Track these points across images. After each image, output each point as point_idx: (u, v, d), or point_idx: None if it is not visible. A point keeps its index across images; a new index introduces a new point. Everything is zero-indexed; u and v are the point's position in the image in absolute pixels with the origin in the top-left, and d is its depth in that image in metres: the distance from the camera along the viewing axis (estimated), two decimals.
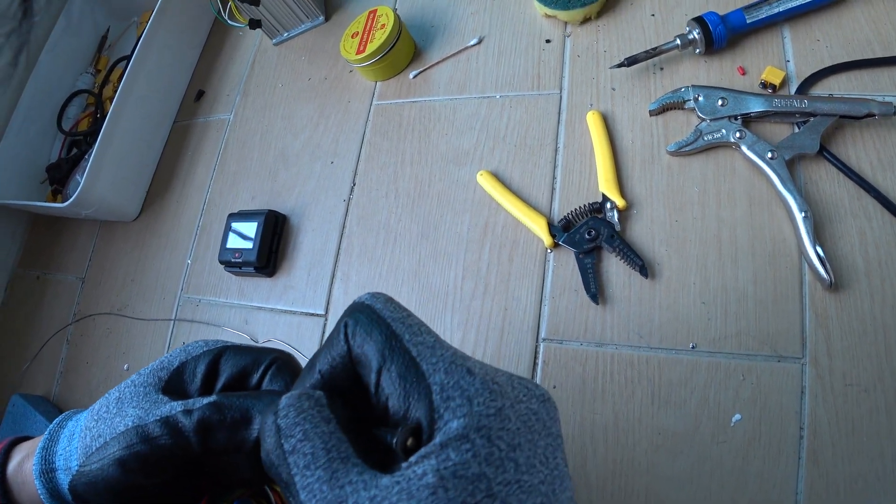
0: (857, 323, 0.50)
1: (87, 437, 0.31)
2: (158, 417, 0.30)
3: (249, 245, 0.70)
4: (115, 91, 0.90)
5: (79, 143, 0.93)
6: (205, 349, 0.34)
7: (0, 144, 0.87)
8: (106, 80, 0.94)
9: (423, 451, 0.20)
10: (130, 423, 0.30)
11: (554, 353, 0.57)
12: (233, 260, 0.71)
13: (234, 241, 0.71)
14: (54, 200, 0.90)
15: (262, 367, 0.33)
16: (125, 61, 0.93)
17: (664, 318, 0.54)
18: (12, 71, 0.87)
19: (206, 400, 0.30)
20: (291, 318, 0.69)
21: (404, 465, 0.20)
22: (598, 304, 0.56)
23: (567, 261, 0.59)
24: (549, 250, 0.60)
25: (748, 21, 0.60)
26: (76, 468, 0.31)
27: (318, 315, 0.68)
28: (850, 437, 0.47)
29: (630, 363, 0.54)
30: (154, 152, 0.88)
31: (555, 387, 0.55)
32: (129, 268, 0.83)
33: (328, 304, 0.68)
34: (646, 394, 0.53)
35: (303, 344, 0.66)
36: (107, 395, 0.33)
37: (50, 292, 0.90)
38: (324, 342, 0.26)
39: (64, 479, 0.32)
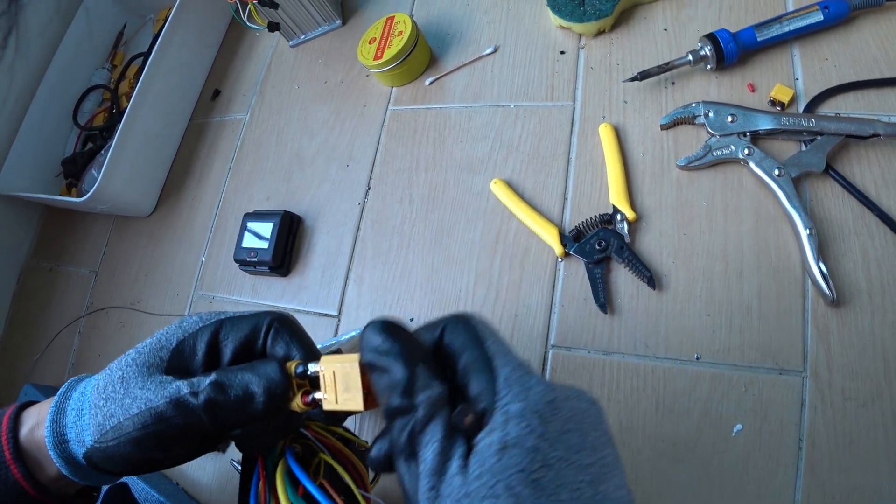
0: (858, 339, 0.52)
1: (99, 415, 0.33)
2: (168, 399, 0.32)
3: (265, 245, 0.72)
4: (131, 87, 0.92)
5: (94, 138, 0.94)
6: (201, 325, 0.36)
7: (16, 137, 0.88)
8: (122, 75, 0.96)
9: (489, 426, 0.25)
10: (143, 406, 0.33)
11: (562, 359, 0.59)
12: (248, 259, 0.73)
13: (249, 241, 0.73)
14: (69, 194, 0.92)
15: (262, 333, 0.36)
16: (141, 58, 0.95)
17: (670, 329, 0.56)
18: (1, 53, 0.88)
19: (208, 380, 0.33)
20: (304, 317, 0.71)
21: (479, 437, 0.25)
22: (606, 313, 0.58)
23: (577, 270, 0.61)
24: (559, 259, 0.62)
25: (759, 39, 0.62)
26: (90, 443, 0.33)
27: (331, 315, 0.70)
28: (848, 450, 0.49)
29: (636, 372, 0.56)
30: (170, 150, 0.90)
31: None
32: (143, 263, 0.85)
33: (341, 305, 0.70)
34: (650, 402, 0.55)
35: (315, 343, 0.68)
36: (108, 371, 0.35)
37: (62, 284, 0.92)
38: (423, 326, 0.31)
39: (78, 450, 0.34)
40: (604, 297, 0.58)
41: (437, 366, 0.29)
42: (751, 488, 0.50)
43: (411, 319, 0.65)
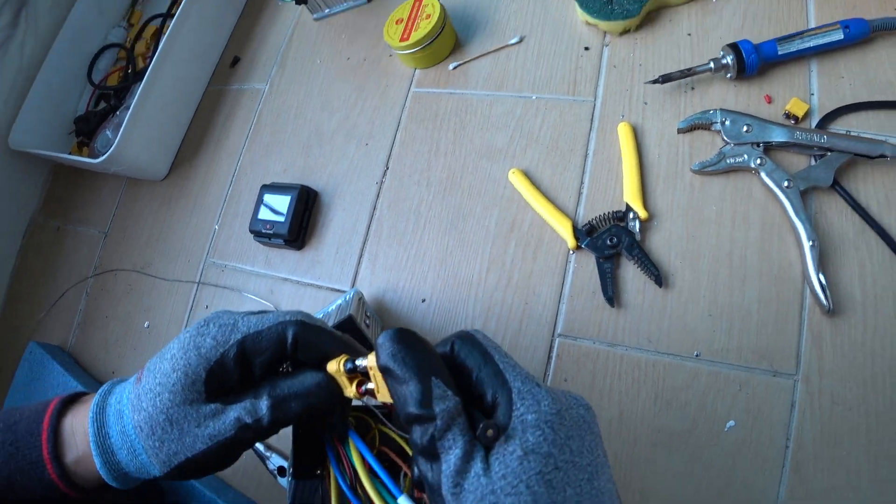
0: (849, 348, 0.56)
1: (161, 454, 0.36)
2: (234, 430, 0.36)
3: (281, 218, 0.74)
4: (148, 47, 0.93)
5: (107, 97, 0.96)
6: (222, 350, 0.37)
7: (29, 93, 0.89)
8: (139, 35, 0.96)
9: (508, 433, 0.29)
10: (210, 441, 0.36)
11: (568, 348, 0.62)
12: (263, 231, 0.75)
13: (265, 213, 0.76)
14: (80, 152, 0.93)
15: (288, 346, 0.38)
16: (160, 18, 0.96)
17: (673, 326, 0.60)
18: (13, 32, 0.89)
19: (264, 405, 0.36)
20: (317, 292, 0.74)
21: (498, 444, 0.29)
22: (613, 307, 0.62)
23: (587, 263, 0.64)
24: (571, 252, 0.65)
25: (779, 53, 0.64)
26: (157, 474, 0.37)
27: (343, 291, 0.72)
28: (832, 451, 0.53)
29: (637, 365, 0.60)
30: (186, 114, 0.91)
31: (566, 380, 0.61)
32: (155, 227, 0.87)
33: (354, 281, 0.73)
34: (650, 394, 0.59)
35: (328, 319, 0.71)
36: (145, 412, 0.36)
37: (70, 243, 0.94)
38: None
39: (138, 474, 0.38)
40: (612, 292, 0.62)
41: (451, 377, 0.32)
42: (738, 481, 0.54)
43: (423, 300, 0.68)
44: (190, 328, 0.39)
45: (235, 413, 0.36)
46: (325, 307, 0.63)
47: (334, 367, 0.36)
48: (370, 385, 0.35)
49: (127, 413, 0.37)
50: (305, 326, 0.38)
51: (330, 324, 0.54)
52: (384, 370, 0.31)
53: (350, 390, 0.36)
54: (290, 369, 0.40)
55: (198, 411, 0.36)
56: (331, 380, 0.36)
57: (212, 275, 0.80)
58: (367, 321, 0.63)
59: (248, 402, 0.36)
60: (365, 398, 0.36)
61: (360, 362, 0.35)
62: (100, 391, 0.40)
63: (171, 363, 0.37)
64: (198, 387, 0.36)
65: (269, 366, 0.38)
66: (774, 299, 0.58)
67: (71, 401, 0.41)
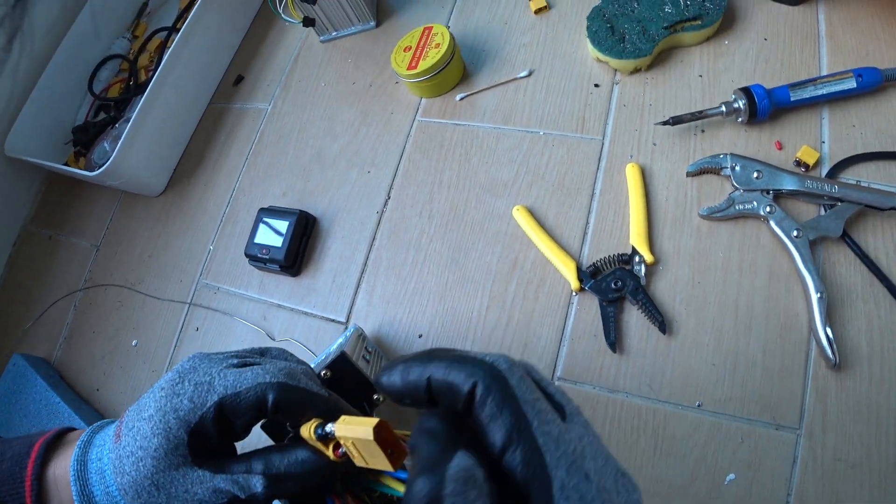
0: (854, 403, 0.55)
1: None
2: (227, 497, 0.35)
3: (278, 243, 0.73)
4: (151, 60, 0.93)
5: (107, 108, 0.95)
6: (200, 413, 0.35)
7: (28, 100, 0.88)
8: (143, 47, 0.96)
9: None
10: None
11: (567, 392, 0.61)
12: (259, 255, 0.74)
13: (262, 237, 0.75)
14: (76, 163, 0.92)
15: (268, 410, 0.36)
16: (165, 32, 0.95)
17: (675, 374, 0.59)
18: (6, 56, 0.89)
19: (258, 483, 0.35)
20: (311, 320, 0.72)
21: None
22: (615, 352, 0.61)
23: (590, 306, 0.63)
24: (574, 293, 0.64)
25: (792, 99, 0.64)
26: None
27: (338, 322, 0.71)
28: None
29: (637, 412, 0.59)
30: (186, 130, 0.91)
31: None
32: (149, 244, 0.86)
33: (350, 312, 0.71)
34: (649, 443, 0.57)
35: (320, 348, 0.70)
36: (129, 475, 0.35)
37: (61, 255, 0.92)
38: (435, 381, 0.27)
39: None
40: (614, 336, 0.61)
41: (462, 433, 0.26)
42: None
43: (420, 336, 0.67)
44: (164, 381, 0.37)
45: (226, 485, 0.35)
46: (328, 347, 0.62)
47: (306, 432, 0.35)
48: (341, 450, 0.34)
49: (109, 474, 0.35)
50: (286, 389, 0.37)
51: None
52: (414, 448, 0.26)
53: (328, 453, 0.35)
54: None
55: (185, 476, 0.35)
56: (322, 460, 0.35)
57: (204, 296, 0.79)
58: (368, 356, 0.62)
59: (240, 477, 0.35)
60: (344, 460, 0.34)
61: (328, 428, 0.33)
62: (79, 441, 0.38)
63: (149, 425, 0.35)
64: (181, 451, 0.35)
65: (249, 426, 0.37)
66: (779, 350, 0.58)
67: (53, 445, 0.39)
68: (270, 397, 0.36)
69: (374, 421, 0.30)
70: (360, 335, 0.61)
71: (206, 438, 0.36)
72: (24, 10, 0.88)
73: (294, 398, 0.36)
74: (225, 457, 0.36)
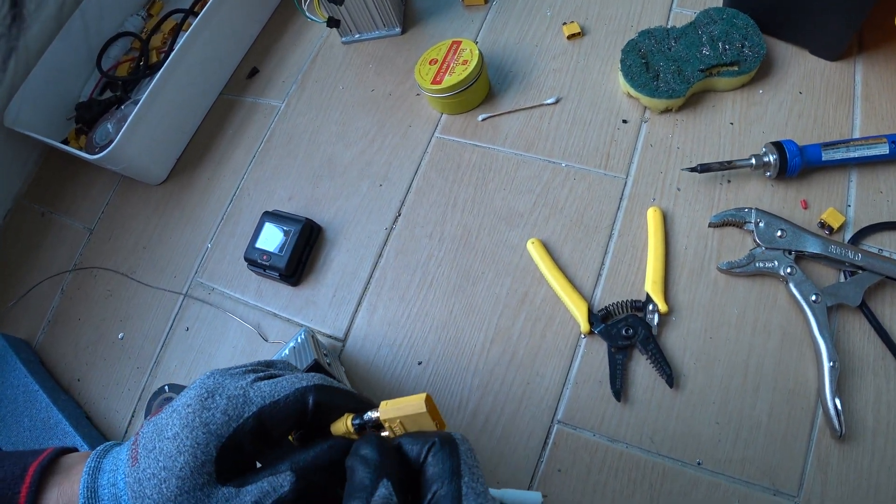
0: (854, 476, 0.55)
1: None
2: None
3: (280, 250, 0.72)
4: (164, 42, 0.91)
5: (114, 87, 0.93)
6: (235, 425, 0.34)
7: (32, 71, 0.86)
8: (157, 28, 0.94)
9: None
10: None
11: (566, 437, 0.60)
12: (259, 260, 0.73)
13: (264, 242, 0.73)
14: (76, 140, 0.90)
15: (309, 413, 0.36)
16: (181, 14, 0.93)
17: (678, 430, 0.59)
18: (2, 76, 0.87)
19: (286, 480, 0.34)
20: None
21: None
22: (619, 401, 0.60)
23: (598, 351, 0.63)
24: (582, 336, 0.64)
25: (823, 159, 0.64)
26: None
27: (336, 339, 0.70)
28: None
29: (636, 464, 0.58)
30: (194, 119, 0.89)
31: (559, 470, 0.59)
32: (144, 233, 0.85)
33: (349, 330, 0.70)
34: (644, 497, 0.57)
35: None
36: (151, 501, 0.33)
37: (53, 233, 0.90)
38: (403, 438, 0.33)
39: None
40: (620, 385, 0.60)
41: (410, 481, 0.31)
42: None
43: (420, 363, 0.66)
44: (187, 399, 0.36)
45: (252, 497, 0.33)
46: (279, 352, 0.61)
47: (342, 427, 0.35)
48: (385, 434, 0.35)
49: (126, 500, 0.34)
50: (325, 390, 0.36)
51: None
52: (349, 468, 0.31)
53: None
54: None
55: (209, 497, 0.33)
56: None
57: (198, 294, 0.78)
58: (328, 360, 0.61)
59: (265, 483, 0.34)
60: None
61: (369, 415, 0.35)
62: (86, 468, 0.37)
63: (174, 444, 0.34)
64: (208, 468, 0.33)
65: (286, 434, 0.36)
66: (785, 415, 0.57)
67: (49, 470, 0.38)
68: (311, 399, 0.36)
69: (421, 395, 0.33)
70: (313, 337, 0.62)
71: (238, 453, 0.35)
72: (21, 31, 0.87)
73: (335, 396, 0.36)
74: (247, 471, 0.35)
